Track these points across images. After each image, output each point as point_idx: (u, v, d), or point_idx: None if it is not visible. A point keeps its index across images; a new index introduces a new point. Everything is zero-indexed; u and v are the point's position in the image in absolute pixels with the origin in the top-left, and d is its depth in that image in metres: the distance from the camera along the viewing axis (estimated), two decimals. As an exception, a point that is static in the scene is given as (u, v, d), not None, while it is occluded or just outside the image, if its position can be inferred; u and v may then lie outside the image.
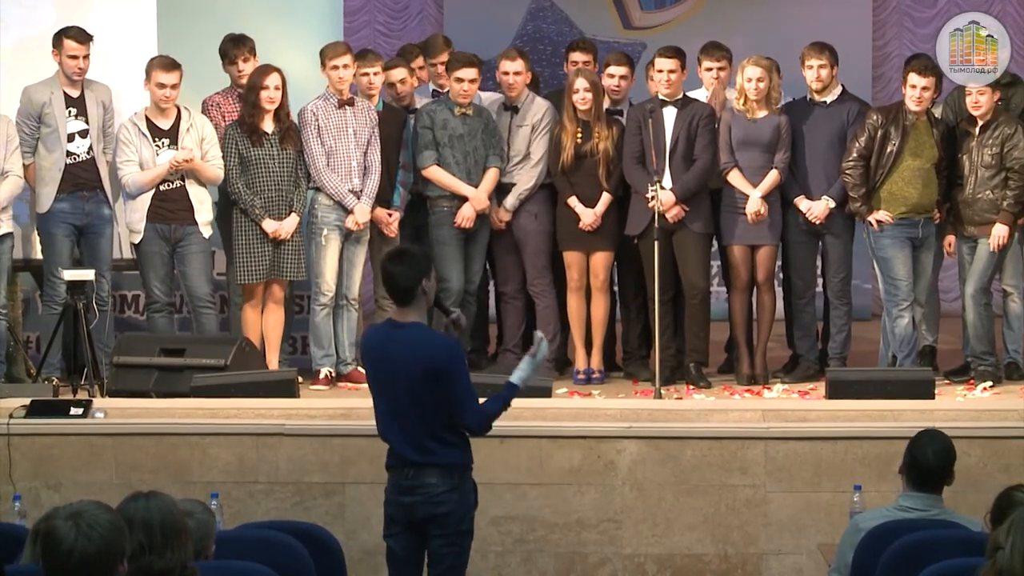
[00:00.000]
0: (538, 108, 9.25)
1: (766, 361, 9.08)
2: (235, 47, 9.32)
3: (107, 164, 9.05)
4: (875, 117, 8.84)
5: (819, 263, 9.27)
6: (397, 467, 5.82)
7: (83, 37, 8.94)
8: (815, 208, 8.95)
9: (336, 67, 9.03)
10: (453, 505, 5.75)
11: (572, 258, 9.11)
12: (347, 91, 9.09)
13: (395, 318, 5.84)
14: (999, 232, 8.69)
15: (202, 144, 8.96)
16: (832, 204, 8.92)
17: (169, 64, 8.91)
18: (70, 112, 8.97)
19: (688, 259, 8.94)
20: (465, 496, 5.81)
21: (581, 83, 8.98)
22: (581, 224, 9.01)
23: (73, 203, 8.97)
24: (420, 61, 9.76)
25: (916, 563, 4.90)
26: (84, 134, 8.98)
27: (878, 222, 8.77)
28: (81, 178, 8.98)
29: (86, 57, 8.94)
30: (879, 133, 8.76)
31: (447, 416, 5.70)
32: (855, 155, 8.80)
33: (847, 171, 8.81)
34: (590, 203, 9.03)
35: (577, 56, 9.47)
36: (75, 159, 8.97)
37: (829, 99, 9.06)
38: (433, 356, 5.65)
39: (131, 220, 8.99)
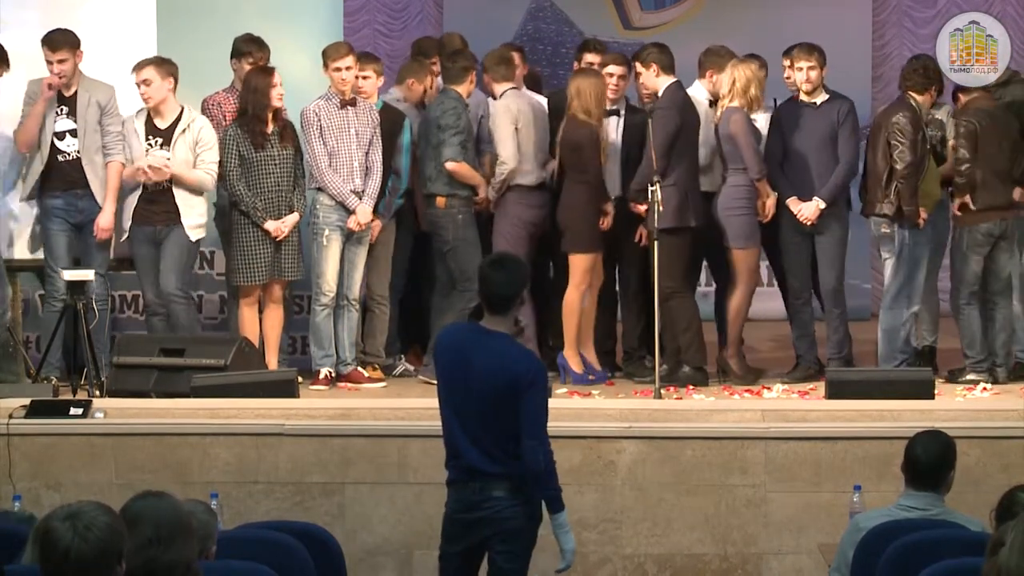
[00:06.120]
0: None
1: (740, 355, 9.02)
2: (258, 48, 9.23)
3: (96, 165, 8.91)
4: (907, 116, 8.73)
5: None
6: (462, 482, 5.64)
7: (57, 43, 8.77)
8: (805, 209, 8.94)
9: (339, 68, 9.03)
10: (522, 520, 5.63)
11: (578, 260, 8.99)
12: (349, 92, 9.09)
13: (484, 324, 5.62)
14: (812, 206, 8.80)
15: (195, 147, 8.90)
16: (822, 205, 8.91)
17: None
18: (60, 110, 8.90)
19: (661, 257, 8.69)
20: (534, 509, 5.66)
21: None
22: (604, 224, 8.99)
23: (67, 200, 8.93)
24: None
25: (916, 563, 4.91)
26: (73, 133, 8.91)
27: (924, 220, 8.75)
28: (72, 177, 8.91)
29: (62, 62, 8.76)
30: (919, 134, 8.73)
31: (518, 428, 5.52)
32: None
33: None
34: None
35: (590, 57, 9.43)
36: (66, 157, 8.91)
37: (819, 100, 9.04)
38: (520, 370, 5.50)
39: (120, 221, 8.97)
